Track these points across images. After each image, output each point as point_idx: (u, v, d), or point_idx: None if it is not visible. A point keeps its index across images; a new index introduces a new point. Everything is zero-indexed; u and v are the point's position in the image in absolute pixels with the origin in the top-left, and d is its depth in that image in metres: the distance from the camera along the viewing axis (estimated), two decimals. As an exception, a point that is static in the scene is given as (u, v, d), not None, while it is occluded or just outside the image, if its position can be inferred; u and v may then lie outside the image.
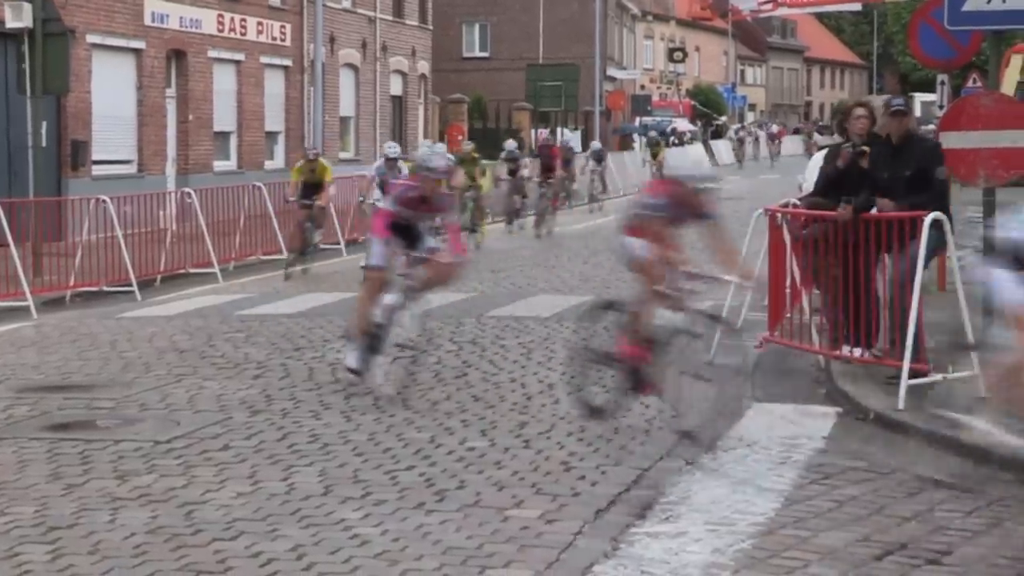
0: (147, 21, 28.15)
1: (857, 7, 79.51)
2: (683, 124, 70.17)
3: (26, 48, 19.04)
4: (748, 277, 9.98)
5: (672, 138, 63.80)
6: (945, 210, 10.32)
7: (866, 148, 11.06)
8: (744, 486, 7.82)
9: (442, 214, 11.16)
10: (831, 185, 11.38)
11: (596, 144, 40.35)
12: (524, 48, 62.53)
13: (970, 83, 24.28)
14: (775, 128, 77.22)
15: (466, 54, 64.12)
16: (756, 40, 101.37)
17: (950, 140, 12.00)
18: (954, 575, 6.28)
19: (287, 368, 11.80)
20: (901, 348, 9.89)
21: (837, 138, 12.97)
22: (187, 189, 22.16)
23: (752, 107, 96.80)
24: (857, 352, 10.80)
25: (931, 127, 22.49)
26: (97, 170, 26.20)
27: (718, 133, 75.28)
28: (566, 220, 32.15)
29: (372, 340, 10.62)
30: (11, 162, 23.30)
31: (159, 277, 19.20)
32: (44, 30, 19.06)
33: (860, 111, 11.47)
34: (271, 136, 33.87)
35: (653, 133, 47.93)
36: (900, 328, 10.08)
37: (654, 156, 43.88)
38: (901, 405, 9.49)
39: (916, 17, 16.33)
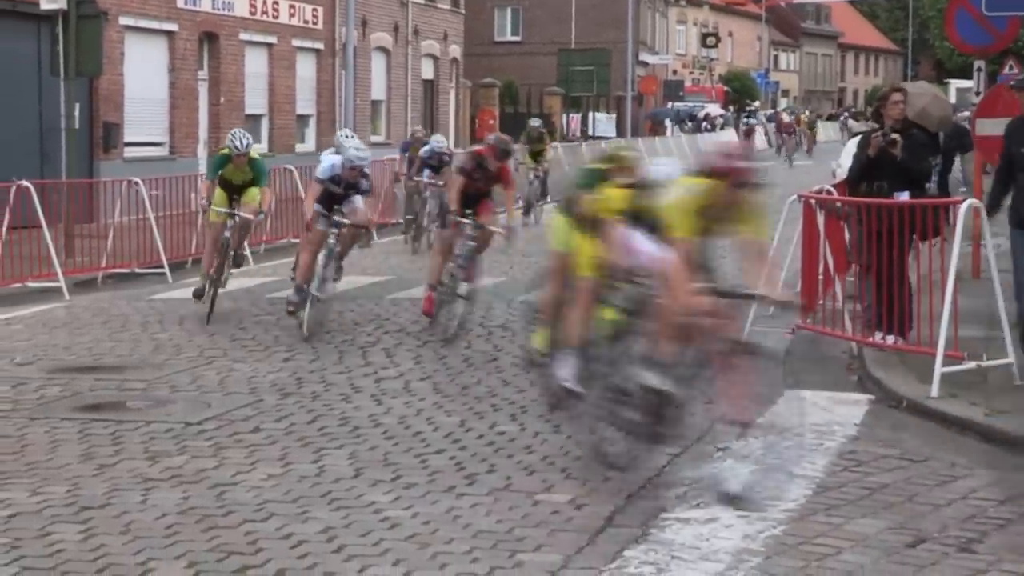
0: (179, 4, 28.18)
1: (894, -8, 79.21)
2: (715, 109, 69.79)
3: (59, 30, 19.10)
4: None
5: (705, 124, 63.49)
6: None
7: (896, 136, 10.99)
8: (776, 472, 7.78)
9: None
10: (864, 173, 11.34)
11: (437, 142, 21.12)
12: (556, 32, 62.46)
13: (1007, 69, 24.09)
14: (786, 117, 61.90)
15: (498, 38, 64.06)
16: (790, 25, 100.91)
17: (986, 127, 11.95)
18: (987, 564, 6.23)
19: (317, 351, 11.81)
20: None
21: (872, 124, 12.90)
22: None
23: (785, 93, 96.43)
24: (890, 339, 10.75)
25: (966, 114, 22.35)
26: (129, 152, 26.27)
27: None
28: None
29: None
30: (44, 144, 23.37)
31: (190, 259, 19.22)
32: (78, 12, 19.11)
33: (897, 96, 11.40)
34: (302, 119, 33.89)
35: (536, 122, 27.87)
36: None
37: (535, 157, 26.84)
38: (934, 393, 9.43)
39: (953, 2, 16.19)
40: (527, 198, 25.83)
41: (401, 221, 22.80)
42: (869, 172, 11.23)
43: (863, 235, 11.03)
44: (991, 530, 6.72)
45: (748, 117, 62.82)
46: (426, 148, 20.85)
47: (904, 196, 10.90)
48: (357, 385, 10.33)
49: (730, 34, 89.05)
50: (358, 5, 33.69)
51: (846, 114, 72.47)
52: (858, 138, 12.97)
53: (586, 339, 8.29)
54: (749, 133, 55.45)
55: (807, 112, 72.12)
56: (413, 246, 21.13)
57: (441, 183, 19.38)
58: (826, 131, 71.54)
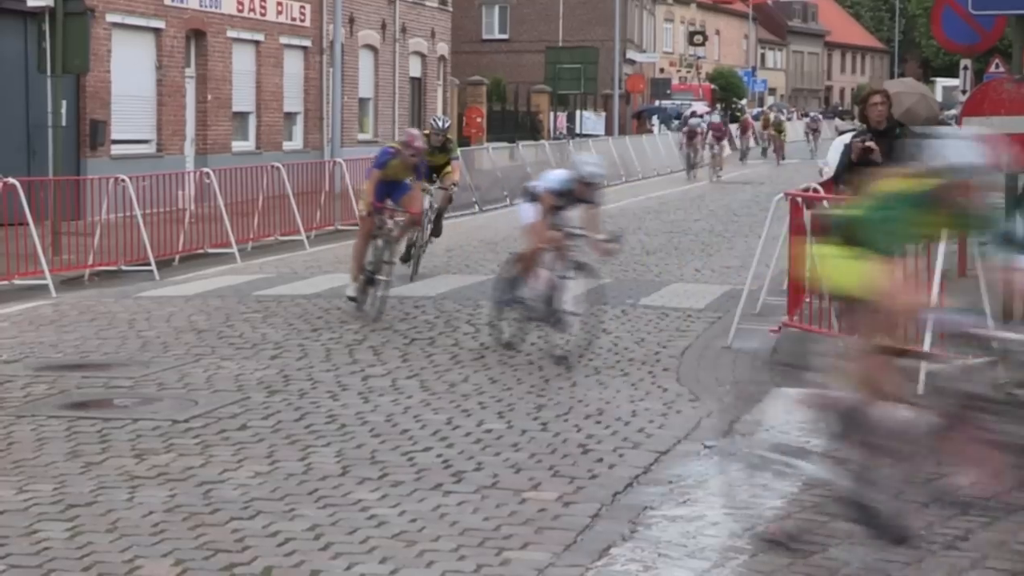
0: (167, 1, 28.12)
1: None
2: (702, 108, 69.73)
3: (46, 27, 19.06)
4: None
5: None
6: None
7: (872, 144, 11.08)
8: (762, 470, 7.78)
9: None
10: (850, 174, 11.48)
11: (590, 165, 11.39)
12: (544, 30, 62.52)
13: (993, 68, 24.16)
14: (716, 117, 49.41)
15: (485, 36, 64.08)
16: (776, 24, 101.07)
17: (972, 125, 11.96)
18: (972, 561, 6.25)
19: (304, 348, 11.81)
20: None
21: (858, 124, 12.96)
22: (206, 169, 22.15)
23: (772, 91, 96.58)
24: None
25: (953, 112, 22.40)
26: (116, 149, 26.21)
27: (736, 118, 74.33)
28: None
29: None
30: (31, 141, 23.33)
31: (177, 257, 19.22)
32: (64, 9, 19.07)
33: (877, 98, 11.50)
34: (290, 117, 33.85)
35: (441, 121, 17.65)
36: None
37: (435, 172, 17.02)
38: (920, 390, 9.43)
39: (939, 1, 16.24)
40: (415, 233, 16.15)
41: None
42: (856, 174, 11.34)
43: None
44: (976, 527, 6.74)
45: (691, 117, 49.03)
46: (558, 176, 11.43)
47: None
48: (344, 383, 10.33)
49: (717, 32, 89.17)
50: (345, 3, 33.68)
51: (809, 116, 64.81)
52: (844, 136, 13.05)
53: None
54: (692, 136, 42.67)
55: (777, 111, 62.92)
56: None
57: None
58: (794, 130, 63.77)
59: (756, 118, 63.47)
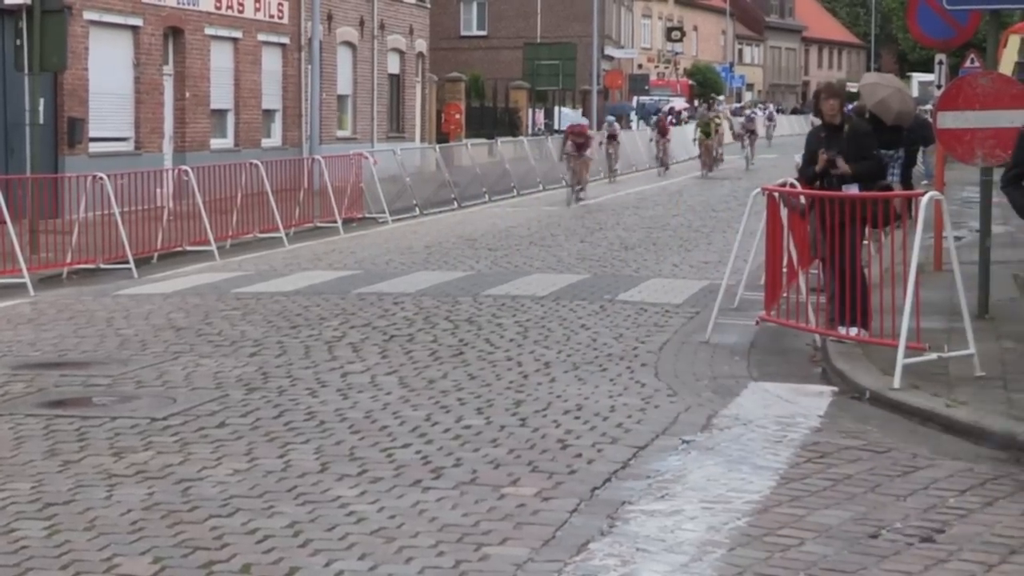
0: (144, -2, 28.07)
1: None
2: (680, 103, 69.82)
3: (23, 25, 19.01)
4: None
5: (670, 117, 63.52)
6: None
7: (837, 157, 11.24)
8: (740, 464, 7.83)
9: None
10: (813, 176, 11.64)
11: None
12: (522, 27, 62.61)
13: (968, 63, 24.26)
14: (581, 118, 43.10)
15: (464, 32, 64.14)
16: (754, 19, 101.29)
17: (947, 120, 12.03)
18: (948, 553, 6.29)
19: (284, 346, 11.81)
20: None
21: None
22: (184, 167, 22.12)
23: (750, 86, 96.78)
24: (853, 331, 10.83)
25: (928, 107, 22.49)
26: (94, 147, 26.16)
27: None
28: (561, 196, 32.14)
29: None
30: (8, 139, 23.27)
31: (156, 255, 19.19)
32: (41, 7, 19.03)
33: (832, 103, 11.60)
34: (268, 114, 33.80)
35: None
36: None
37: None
38: (897, 384, 9.50)
39: (915, -4, 16.30)
40: None
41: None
42: (818, 175, 11.53)
43: (822, 228, 11.16)
44: (953, 520, 6.78)
45: (608, 113, 43.01)
46: None
47: (853, 189, 11.11)
48: (323, 380, 10.34)
49: (695, 28, 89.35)
50: (323, 0, 33.63)
51: (745, 115, 52.35)
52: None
53: None
54: (613, 137, 38.20)
55: (751, 108, 54.40)
56: None
57: None
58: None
59: (737, 114, 61.86)
